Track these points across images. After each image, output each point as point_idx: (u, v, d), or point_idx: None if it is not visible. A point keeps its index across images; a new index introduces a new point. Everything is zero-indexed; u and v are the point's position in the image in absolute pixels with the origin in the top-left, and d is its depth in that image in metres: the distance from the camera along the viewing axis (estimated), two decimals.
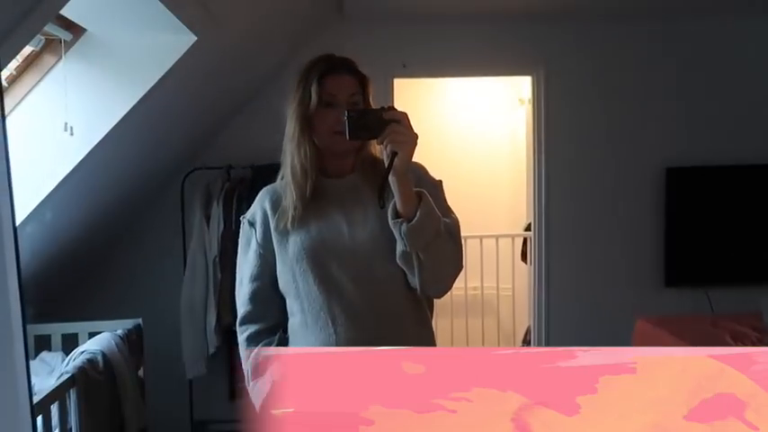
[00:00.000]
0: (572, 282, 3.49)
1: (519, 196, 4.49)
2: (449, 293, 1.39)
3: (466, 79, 4.84)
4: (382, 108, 1.29)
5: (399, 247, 1.31)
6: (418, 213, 1.27)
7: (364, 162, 1.44)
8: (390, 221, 1.29)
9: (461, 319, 4.58)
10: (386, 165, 1.25)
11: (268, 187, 1.48)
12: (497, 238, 4.61)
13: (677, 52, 3.42)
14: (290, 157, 1.40)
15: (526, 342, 3.95)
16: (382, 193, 1.29)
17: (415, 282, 1.34)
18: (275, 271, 1.43)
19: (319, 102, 1.35)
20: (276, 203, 1.43)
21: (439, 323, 4.20)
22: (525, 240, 4.24)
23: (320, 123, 1.37)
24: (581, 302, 3.49)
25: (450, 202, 1.44)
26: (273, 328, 1.45)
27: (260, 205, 1.46)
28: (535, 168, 3.50)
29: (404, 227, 1.27)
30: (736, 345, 2.32)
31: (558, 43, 3.40)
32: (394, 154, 1.24)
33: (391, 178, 1.26)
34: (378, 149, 1.39)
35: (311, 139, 1.38)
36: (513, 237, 4.59)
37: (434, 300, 1.55)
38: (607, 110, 3.45)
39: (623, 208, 3.47)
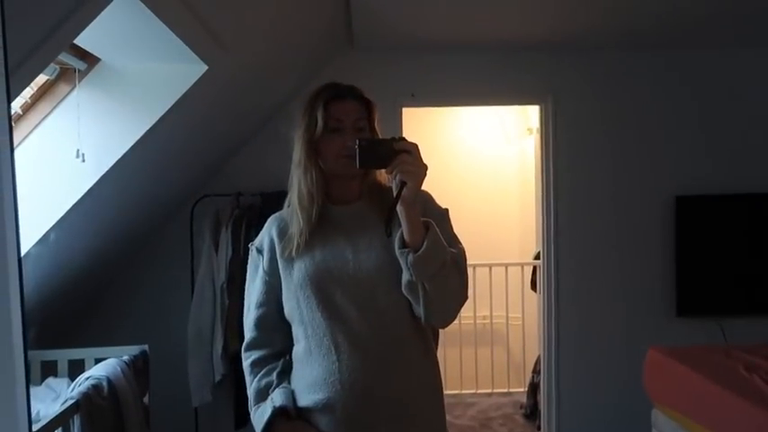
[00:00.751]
0: (582, 311, 3.45)
1: (529, 225, 4.48)
2: (457, 322, 1.37)
3: (475, 108, 4.88)
4: (393, 138, 1.29)
5: (405, 277, 1.30)
6: (425, 244, 1.26)
7: (371, 189, 1.44)
8: (397, 251, 1.29)
9: (470, 349, 4.53)
10: (394, 194, 1.26)
11: (276, 215, 1.50)
12: (507, 266, 4.59)
13: (685, 81, 3.43)
14: (297, 182, 1.41)
15: (536, 372, 3.90)
16: (390, 222, 1.29)
17: (419, 311, 1.33)
18: (281, 298, 1.43)
19: (325, 127, 1.37)
20: (283, 231, 1.44)
21: (448, 352, 4.16)
22: (535, 269, 4.21)
23: (326, 148, 1.38)
24: (591, 331, 3.44)
25: (459, 230, 1.44)
26: (278, 354, 1.45)
27: (267, 232, 1.47)
28: (544, 197, 3.49)
29: (410, 257, 1.27)
30: (750, 376, 2.28)
31: (566, 73, 3.42)
32: (403, 184, 1.25)
33: (399, 208, 1.27)
34: (383, 176, 1.40)
35: (317, 165, 1.40)
36: (522, 265, 4.57)
37: (443, 329, 1.54)
38: (615, 139, 3.45)
39: (633, 236, 3.45)
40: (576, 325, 3.45)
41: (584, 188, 3.45)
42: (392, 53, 3.31)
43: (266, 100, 3.12)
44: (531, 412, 3.99)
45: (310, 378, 1.36)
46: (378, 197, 1.41)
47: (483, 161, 5.12)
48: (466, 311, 4.33)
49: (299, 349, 1.41)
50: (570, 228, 3.45)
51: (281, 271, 1.42)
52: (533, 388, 3.96)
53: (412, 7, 2.66)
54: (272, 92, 3.07)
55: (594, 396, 3.43)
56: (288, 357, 1.45)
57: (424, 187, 1.30)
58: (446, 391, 4.87)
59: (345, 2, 2.57)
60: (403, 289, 1.32)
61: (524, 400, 4.13)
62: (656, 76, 3.43)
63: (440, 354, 1.53)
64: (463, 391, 4.49)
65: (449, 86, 3.42)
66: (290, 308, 1.41)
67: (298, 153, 1.41)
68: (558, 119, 3.43)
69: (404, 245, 1.28)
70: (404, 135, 1.32)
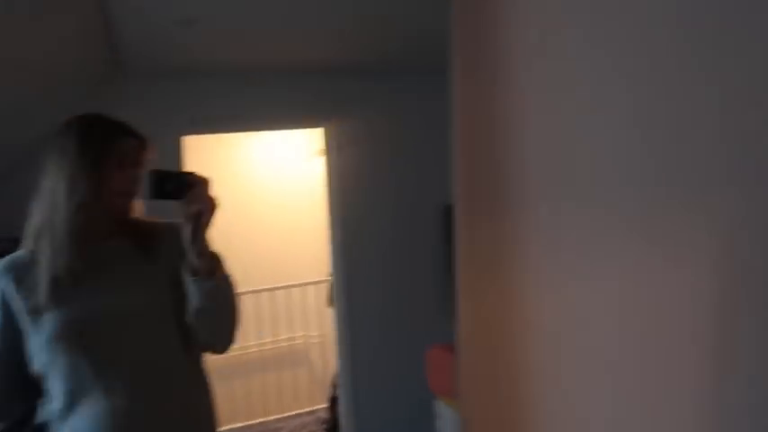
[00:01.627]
0: (374, 320, 3.66)
1: (322, 243, 4.62)
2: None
3: (265, 133, 4.92)
4: (185, 172, 1.35)
5: (194, 305, 1.33)
6: (219, 272, 1.34)
7: (128, 224, 1.42)
8: (189, 279, 1.32)
9: (273, 373, 4.53)
10: (188, 226, 1.31)
11: (6, 260, 1.35)
12: (304, 286, 4.69)
13: (435, 100, 3.81)
14: (66, 217, 1.29)
15: (334, 386, 4.02)
16: (154, 251, 1.33)
17: (204, 338, 1.37)
18: (20, 357, 1.31)
19: (109, 162, 1.33)
20: (21, 279, 1.32)
21: (251, 379, 4.12)
22: (331, 285, 4.36)
23: (106, 184, 1.33)
24: (383, 338, 3.66)
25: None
26: (19, 425, 1.34)
27: None
28: (331, 215, 3.66)
29: (206, 284, 1.32)
30: None
31: (345, 96, 3.59)
32: (197, 216, 1.30)
33: (190, 239, 1.31)
34: (139, 210, 1.42)
35: (91, 200, 1.31)
36: (317, 283, 4.70)
37: (223, 354, 1.56)
38: (392, 155, 3.70)
39: (413, 245, 3.72)
40: (369, 335, 3.64)
41: (367, 204, 3.66)
42: (168, 80, 3.21)
43: (12, 141, 2.77)
44: (333, 426, 4.10)
45: None
46: (134, 231, 1.42)
47: (275, 184, 5.18)
48: (266, 336, 4.33)
49: (55, 407, 1.30)
50: (356, 243, 3.64)
51: (23, 325, 1.30)
52: (333, 401, 4.08)
53: (183, 33, 2.61)
54: (20, 131, 2.74)
55: (389, 398, 3.64)
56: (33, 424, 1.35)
57: (219, 214, 1.34)
58: (251, 421, 4.76)
59: (104, 29, 2.45)
60: (190, 317, 1.34)
61: (326, 415, 4.23)
62: (426, 99, 3.69)
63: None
64: (268, 418, 4.46)
65: (230, 113, 3.41)
66: (42, 363, 1.30)
67: (67, 185, 1.29)
68: (341, 140, 3.62)
69: (195, 273, 1.32)
70: (189, 164, 1.36)
